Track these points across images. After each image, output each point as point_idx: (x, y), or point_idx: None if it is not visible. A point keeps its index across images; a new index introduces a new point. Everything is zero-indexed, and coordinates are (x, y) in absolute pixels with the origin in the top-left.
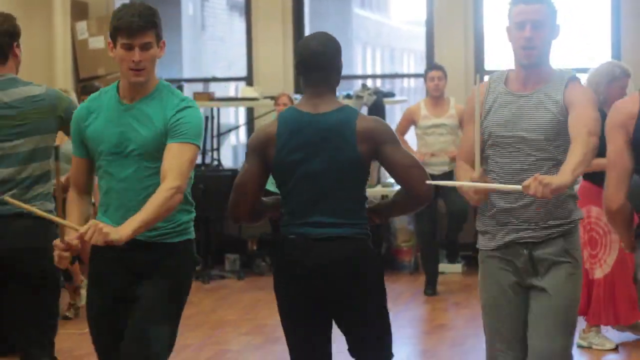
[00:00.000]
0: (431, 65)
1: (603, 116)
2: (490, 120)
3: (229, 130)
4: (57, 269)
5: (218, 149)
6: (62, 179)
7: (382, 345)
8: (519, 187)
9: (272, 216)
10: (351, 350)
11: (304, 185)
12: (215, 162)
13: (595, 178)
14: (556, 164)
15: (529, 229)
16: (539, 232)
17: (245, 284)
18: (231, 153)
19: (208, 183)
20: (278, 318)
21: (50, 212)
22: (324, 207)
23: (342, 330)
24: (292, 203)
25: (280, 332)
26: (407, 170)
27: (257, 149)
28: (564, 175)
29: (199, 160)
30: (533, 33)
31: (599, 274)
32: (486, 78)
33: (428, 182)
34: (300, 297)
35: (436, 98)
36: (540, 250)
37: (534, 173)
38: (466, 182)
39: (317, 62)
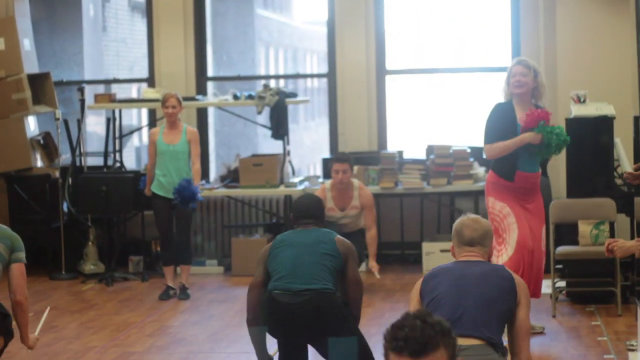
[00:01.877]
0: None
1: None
2: None
3: (131, 132)
4: None
5: (120, 151)
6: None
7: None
8: None
9: None
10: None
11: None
12: (118, 164)
13: (497, 167)
14: None
15: None
16: None
17: (149, 285)
18: (134, 155)
19: (110, 185)
20: (182, 318)
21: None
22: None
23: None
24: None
25: (183, 334)
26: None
27: (261, 261)
28: None
29: (101, 161)
30: None
31: (504, 257)
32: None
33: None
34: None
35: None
36: None
37: None
38: None
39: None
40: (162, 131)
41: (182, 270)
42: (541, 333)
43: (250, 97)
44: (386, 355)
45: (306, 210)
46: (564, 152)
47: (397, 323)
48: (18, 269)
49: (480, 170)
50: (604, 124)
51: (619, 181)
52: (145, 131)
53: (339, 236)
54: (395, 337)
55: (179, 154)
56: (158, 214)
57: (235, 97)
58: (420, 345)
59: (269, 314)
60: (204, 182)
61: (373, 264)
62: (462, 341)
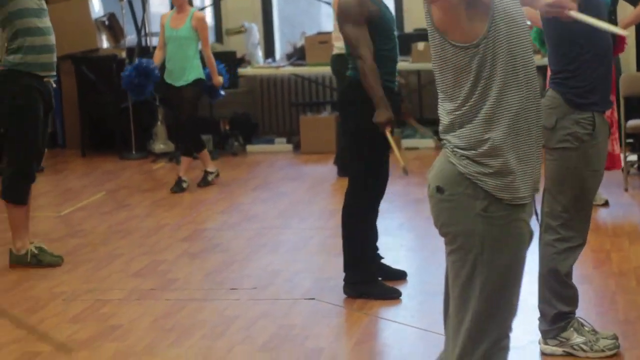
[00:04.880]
0: None
1: None
2: None
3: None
4: None
5: None
6: None
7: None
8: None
9: None
10: None
11: None
12: None
13: None
14: None
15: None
16: None
17: (219, 163)
18: None
19: None
20: (252, 196)
21: None
22: None
23: None
24: None
25: (255, 210)
26: None
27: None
28: None
29: None
30: None
31: None
32: None
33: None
34: None
35: None
36: None
37: None
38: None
39: None
40: (171, 15)
41: (181, 162)
42: (605, 205)
43: None
44: None
45: None
46: (633, 27)
47: None
48: None
49: None
50: None
51: None
52: (209, 10)
53: None
54: None
55: (182, 40)
56: (168, 103)
57: None
58: None
59: None
60: (270, 60)
61: None
62: None
